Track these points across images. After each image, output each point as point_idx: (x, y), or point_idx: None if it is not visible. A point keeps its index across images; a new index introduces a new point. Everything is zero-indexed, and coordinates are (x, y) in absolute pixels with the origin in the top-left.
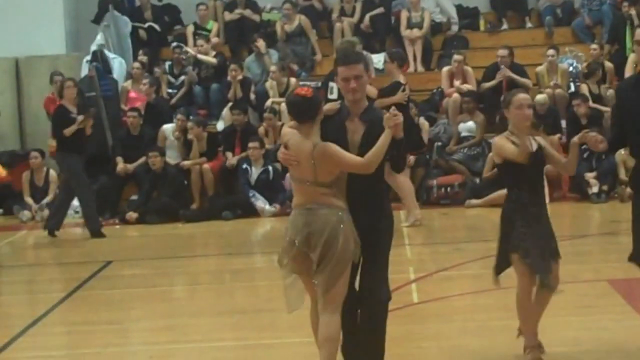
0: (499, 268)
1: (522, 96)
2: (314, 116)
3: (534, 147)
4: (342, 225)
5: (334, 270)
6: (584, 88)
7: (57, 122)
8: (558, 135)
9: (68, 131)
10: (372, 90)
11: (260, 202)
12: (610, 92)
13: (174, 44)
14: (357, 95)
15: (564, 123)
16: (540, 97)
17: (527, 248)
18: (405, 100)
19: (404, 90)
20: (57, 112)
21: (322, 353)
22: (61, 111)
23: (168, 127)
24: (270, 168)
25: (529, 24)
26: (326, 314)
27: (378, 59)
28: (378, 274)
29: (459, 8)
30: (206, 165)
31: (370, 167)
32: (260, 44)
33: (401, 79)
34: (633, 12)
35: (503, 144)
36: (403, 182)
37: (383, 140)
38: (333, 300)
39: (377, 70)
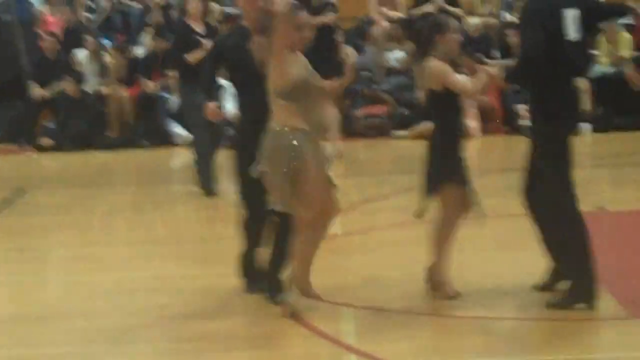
0: (427, 198)
1: (454, 22)
2: None
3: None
4: (305, 146)
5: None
6: (513, 18)
7: None
8: (491, 66)
9: None
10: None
11: (179, 130)
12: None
13: None
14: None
15: (498, 54)
16: (474, 19)
17: (464, 176)
18: (335, 22)
19: (334, 11)
20: None
21: None
22: None
23: (82, 52)
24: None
25: None
26: None
27: None
28: None
29: None
30: (124, 92)
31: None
32: None
33: None
34: None
35: (448, 70)
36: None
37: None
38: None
39: None
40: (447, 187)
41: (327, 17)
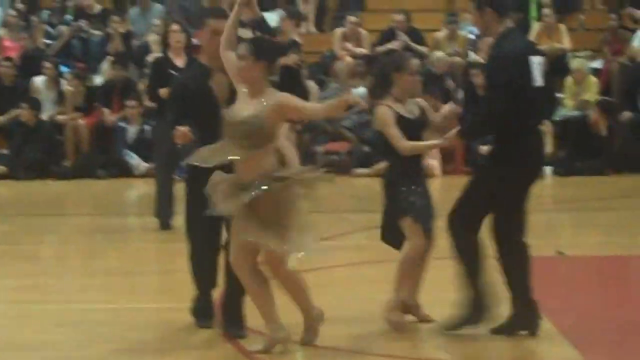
0: (391, 239)
1: (415, 62)
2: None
3: (416, 112)
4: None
5: None
6: (478, 58)
7: None
8: (452, 106)
9: None
10: None
11: (135, 161)
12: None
13: None
14: None
15: (461, 94)
16: (438, 53)
17: (418, 210)
18: (299, 63)
19: (298, 51)
20: None
21: None
22: None
23: (39, 79)
24: (146, 127)
25: None
26: None
27: (271, 17)
28: None
29: None
30: (81, 121)
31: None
32: None
33: (297, 38)
34: None
35: (389, 122)
36: (287, 148)
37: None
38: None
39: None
40: (404, 223)
41: (290, 59)
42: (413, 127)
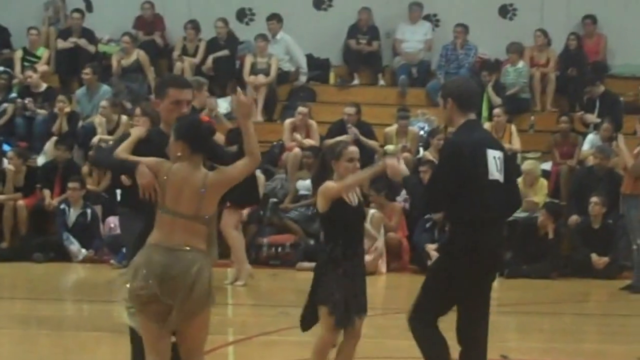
0: (307, 321)
1: (352, 149)
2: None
3: (355, 201)
4: (205, 270)
5: (199, 316)
6: (427, 154)
7: None
8: (400, 203)
9: None
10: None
11: (75, 246)
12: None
13: (1, 68)
14: None
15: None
16: (390, 146)
17: (335, 302)
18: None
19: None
20: None
21: None
22: None
23: None
24: (88, 211)
25: (381, 82)
26: None
27: (222, 104)
28: None
29: (309, 58)
30: (21, 202)
31: (259, 158)
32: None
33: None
34: (490, 81)
35: (327, 185)
36: (235, 237)
37: (249, 128)
38: (199, 348)
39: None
40: (322, 311)
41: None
42: (351, 214)
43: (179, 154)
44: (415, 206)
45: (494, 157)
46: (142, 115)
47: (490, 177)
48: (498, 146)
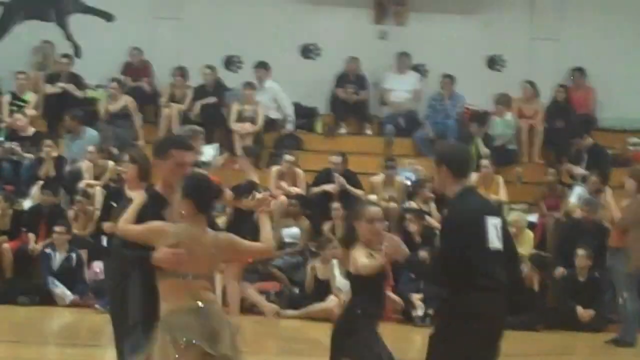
0: None
1: (372, 210)
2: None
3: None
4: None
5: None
6: (413, 204)
7: None
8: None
9: None
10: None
11: (60, 290)
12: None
13: None
14: None
15: None
16: (372, 197)
17: (376, 356)
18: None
19: (257, 191)
20: None
21: None
22: None
23: None
24: (74, 255)
25: (368, 131)
26: None
27: (208, 152)
28: None
29: (296, 106)
30: (6, 245)
31: (272, 250)
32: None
33: (255, 178)
34: (479, 135)
35: (357, 257)
36: (234, 287)
37: (266, 223)
38: None
39: (203, 163)
40: None
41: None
42: (379, 272)
43: (183, 212)
44: (430, 284)
45: (494, 225)
46: (131, 162)
47: (491, 246)
48: (496, 213)
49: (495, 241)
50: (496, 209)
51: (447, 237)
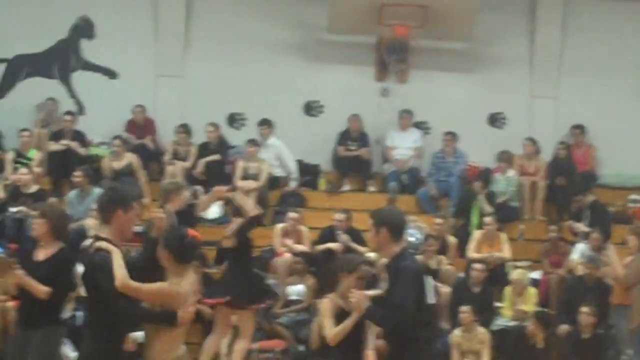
0: None
1: (366, 270)
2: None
3: None
4: None
5: None
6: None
7: None
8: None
9: None
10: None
11: (66, 349)
12: (449, 268)
13: None
14: None
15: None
16: (372, 254)
17: None
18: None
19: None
20: None
21: None
22: None
23: None
24: (78, 314)
25: (371, 188)
26: None
27: (212, 209)
28: None
29: (299, 163)
30: (10, 303)
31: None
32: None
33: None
34: (482, 192)
35: (326, 304)
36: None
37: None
38: None
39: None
40: None
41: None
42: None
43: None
44: (398, 328)
45: (429, 283)
46: (41, 217)
47: (429, 301)
48: (430, 272)
49: (431, 297)
50: (429, 269)
51: (410, 284)
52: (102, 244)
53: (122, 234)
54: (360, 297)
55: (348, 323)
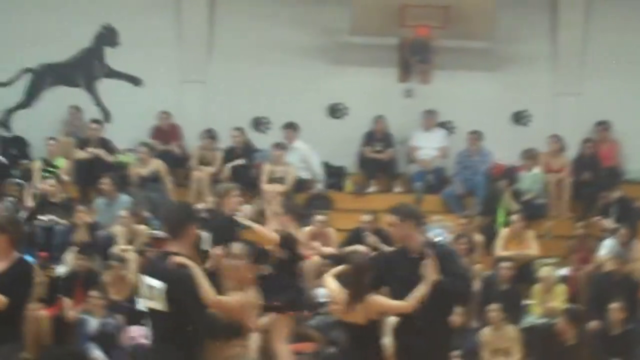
0: None
1: None
2: None
3: None
4: None
5: None
6: None
7: None
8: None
9: None
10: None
11: (97, 356)
12: (477, 266)
13: (14, 180)
14: None
15: None
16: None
17: None
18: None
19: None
20: None
21: None
22: None
23: None
24: (110, 320)
25: (397, 188)
26: None
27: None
28: None
29: (325, 166)
30: (43, 312)
31: None
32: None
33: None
34: (508, 190)
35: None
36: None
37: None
38: None
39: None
40: None
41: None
42: None
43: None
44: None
45: None
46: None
47: None
48: None
49: None
50: None
51: (459, 258)
52: (182, 260)
53: (192, 248)
54: (433, 267)
55: (422, 289)
